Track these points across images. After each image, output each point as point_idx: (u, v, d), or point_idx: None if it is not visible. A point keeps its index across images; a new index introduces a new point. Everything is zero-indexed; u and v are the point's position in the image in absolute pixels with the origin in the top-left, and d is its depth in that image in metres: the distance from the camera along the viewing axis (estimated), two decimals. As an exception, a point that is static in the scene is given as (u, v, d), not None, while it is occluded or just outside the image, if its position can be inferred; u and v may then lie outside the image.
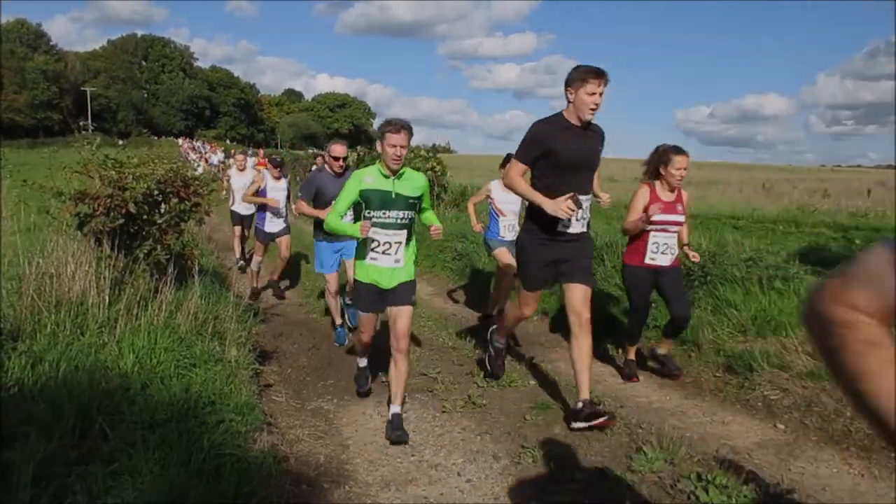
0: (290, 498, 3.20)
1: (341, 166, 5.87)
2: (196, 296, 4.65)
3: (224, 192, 10.41)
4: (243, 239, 10.36)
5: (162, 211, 5.21)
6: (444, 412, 4.42)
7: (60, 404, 3.06)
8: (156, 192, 5.09)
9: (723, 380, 4.95)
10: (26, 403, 3.05)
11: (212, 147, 43.75)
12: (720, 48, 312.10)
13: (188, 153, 36.37)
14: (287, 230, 8.18)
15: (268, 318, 6.67)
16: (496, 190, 6.57)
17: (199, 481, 2.81)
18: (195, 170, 16.63)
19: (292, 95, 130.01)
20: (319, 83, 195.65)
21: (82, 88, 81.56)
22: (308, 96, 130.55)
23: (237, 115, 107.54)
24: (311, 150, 51.98)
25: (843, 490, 3.45)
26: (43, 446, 2.72)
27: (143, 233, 5.06)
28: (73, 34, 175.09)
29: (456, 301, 8.28)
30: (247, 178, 9.41)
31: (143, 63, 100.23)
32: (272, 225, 8.07)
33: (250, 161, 27.34)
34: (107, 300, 4.23)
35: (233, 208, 10.16)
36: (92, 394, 3.22)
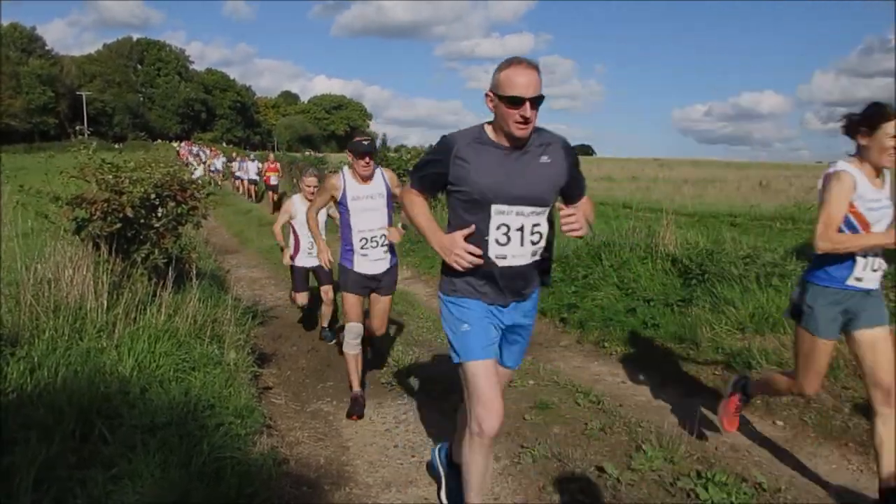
0: (291, 500, 3.21)
1: (524, 121, 2.48)
2: (194, 299, 4.65)
3: (277, 234, 6.55)
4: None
5: (159, 214, 5.21)
6: (443, 413, 4.42)
7: (60, 409, 3.06)
8: (153, 196, 5.09)
9: (722, 377, 4.95)
10: (26, 408, 3.06)
11: (213, 152, 41.46)
12: (716, 46, 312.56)
13: (187, 159, 34.77)
14: (395, 270, 4.68)
15: (266, 320, 6.67)
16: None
17: (200, 484, 2.81)
18: (192, 173, 15.98)
19: (289, 97, 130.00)
20: (316, 85, 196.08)
21: (78, 93, 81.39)
22: (305, 98, 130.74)
23: (233, 117, 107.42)
24: (307, 153, 51.36)
25: (842, 485, 3.47)
26: (43, 450, 2.72)
27: (141, 236, 5.06)
28: (71, 38, 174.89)
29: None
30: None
31: (139, 67, 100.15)
32: (369, 262, 4.51)
33: (253, 166, 24.40)
34: (105, 304, 4.22)
35: (297, 263, 6.35)
36: (91, 398, 3.22)
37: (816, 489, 3.42)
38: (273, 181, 20.13)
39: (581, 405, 4.44)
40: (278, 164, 21.90)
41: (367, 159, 4.36)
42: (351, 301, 4.51)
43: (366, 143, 4.39)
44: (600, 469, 3.50)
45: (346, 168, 4.56)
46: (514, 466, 3.65)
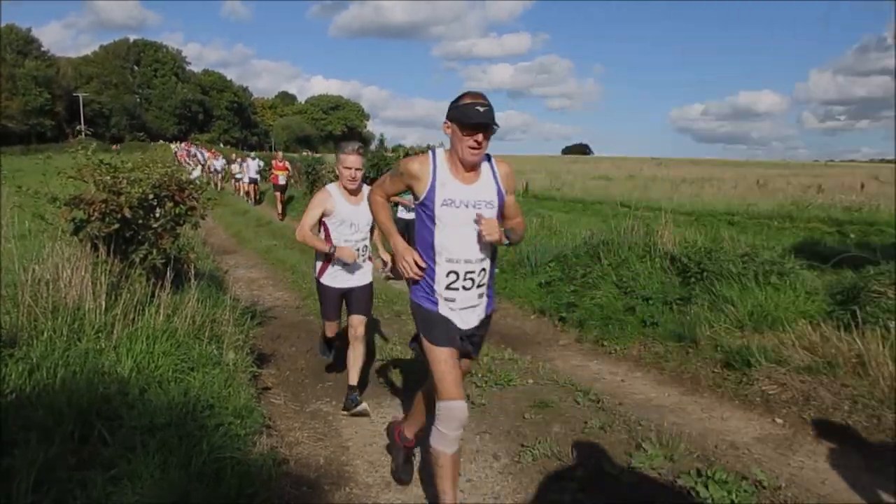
0: (291, 500, 3.20)
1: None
2: (193, 299, 4.64)
3: (310, 239, 4.36)
4: (334, 339, 4.97)
5: (157, 215, 5.20)
6: (443, 412, 4.40)
7: (59, 410, 3.05)
8: (151, 197, 5.08)
9: (721, 375, 4.96)
10: (25, 410, 3.04)
11: (212, 153, 38.54)
12: (714, 46, 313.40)
13: (185, 161, 31.83)
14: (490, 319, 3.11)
15: (265, 320, 6.65)
16: None
17: (200, 484, 2.80)
18: (190, 173, 15.07)
19: (286, 98, 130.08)
20: (314, 86, 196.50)
21: (75, 94, 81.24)
22: (303, 99, 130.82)
23: (230, 118, 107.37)
24: (305, 153, 51.19)
25: (842, 482, 3.47)
26: (43, 452, 2.71)
27: (139, 237, 5.04)
28: (68, 40, 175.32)
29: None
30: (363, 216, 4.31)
31: (136, 68, 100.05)
32: (458, 310, 2.91)
33: (254, 164, 22.93)
34: (103, 305, 4.21)
35: (325, 280, 4.54)
36: (90, 399, 3.20)
37: (816, 486, 3.42)
38: (281, 181, 18.67)
39: (581, 404, 4.44)
40: (287, 163, 20.25)
41: (482, 137, 2.71)
42: (445, 358, 2.82)
43: (481, 108, 2.69)
44: (600, 468, 3.50)
45: (439, 151, 2.91)
46: (515, 465, 3.65)
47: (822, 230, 14.76)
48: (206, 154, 38.54)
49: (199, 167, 28.56)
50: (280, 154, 22.00)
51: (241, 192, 24.30)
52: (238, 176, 24.89)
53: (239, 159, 27.86)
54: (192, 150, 43.57)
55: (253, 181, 22.99)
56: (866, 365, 4.40)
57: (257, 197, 22.91)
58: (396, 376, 5.10)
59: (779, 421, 4.28)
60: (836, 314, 5.23)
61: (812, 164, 75.96)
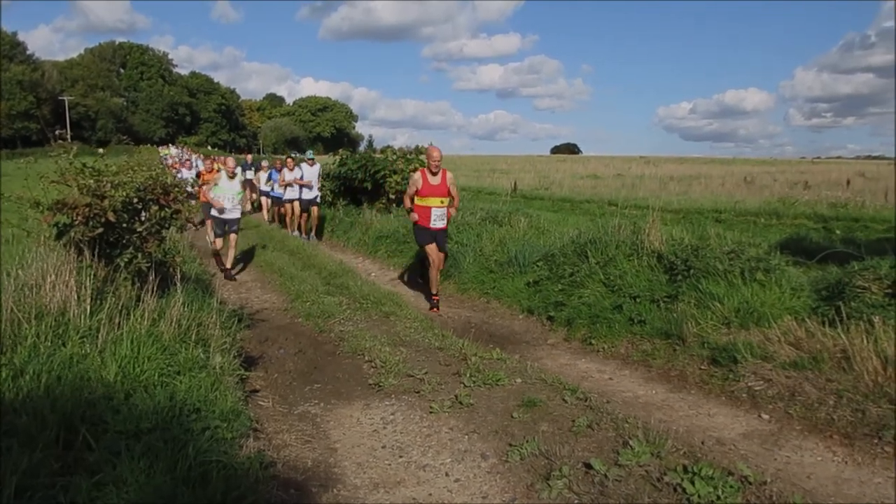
0: (278, 503, 3.19)
1: None
2: (179, 303, 4.61)
3: None
4: None
5: (142, 219, 5.17)
6: (431, 412, 4.41)
7: (43, 416, 3.03)
8: (135, 200, 5.05)
9: (708, 372, 4.99)
10: (8, 416, 3.02)
11: (219, 160, 23.03)
12: (701, 45, 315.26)
13: (178, 170, 20.88)
14: None
15: (253, 323, 6.63)
16: None
17: (186, 489, 2.79)
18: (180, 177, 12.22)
19: (274, 100, 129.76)
20: (304, 88, 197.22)
21: (60, 98, 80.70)
22: (293, 100, 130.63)
23: (218, 120, 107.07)
24: (294, 154, 50.89)
25: (827, 477, 3.50)
26: (26, 458, 2.69)
27: (124, 241, 5.02)
28: (56, 44, 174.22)
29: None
30: None
31: (122, 71, 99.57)
32: None
33: (312, 171, 13.77)
34: (88, 310, 4.18)
35: None
36: (75, 404, 3.18)
37: (802, 480, 3.44)
38: (438, 224, 8.01)
39: (568, 402, 4.45)
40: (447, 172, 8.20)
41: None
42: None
43: None
44: (588, 465, 3.51)
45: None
46: (503, 464, 3.65)
47: (808, 226, 14.89)
48: (201, 161, 25.06)
49: (238, 179, 12.17)
50: (436, 152, 8.13)
51: (280, 218, 15.88)
52: (270, 191, 16.40)
53: (267, 167, 17.95)
54: (184, 155, 38.20)
55: (311, 203, 14.19)
56: (851, 360, 4.43)
57: (315, 227, 14.31)
58: (386, 378, 5.08)
59: (765, 416, 4.31)
60: (820, 310, 5.27)
61: (798, 160, 76.42)
